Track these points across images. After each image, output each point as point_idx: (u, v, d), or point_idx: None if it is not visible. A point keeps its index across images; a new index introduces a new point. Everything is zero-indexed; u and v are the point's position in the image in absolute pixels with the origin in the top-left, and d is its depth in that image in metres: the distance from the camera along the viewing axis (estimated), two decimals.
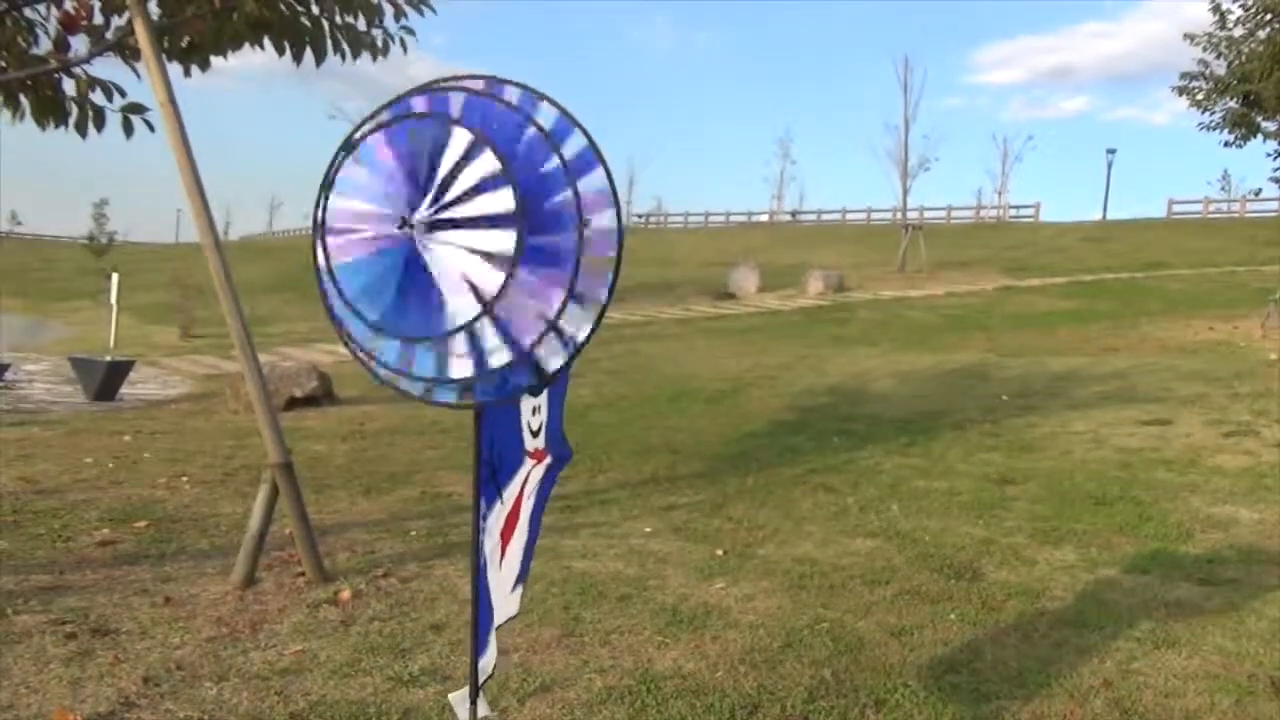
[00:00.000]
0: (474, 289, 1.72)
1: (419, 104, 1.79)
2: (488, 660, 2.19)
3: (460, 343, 1.76)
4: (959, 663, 3.32)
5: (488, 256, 1.71)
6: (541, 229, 1.73)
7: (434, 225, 1.73)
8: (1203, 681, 3.17)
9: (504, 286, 1.71)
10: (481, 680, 2.19)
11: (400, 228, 1.73)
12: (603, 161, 1.80)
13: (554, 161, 1.75)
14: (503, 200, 1.70)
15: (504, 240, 1.70)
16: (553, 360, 1.82)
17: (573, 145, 1.78)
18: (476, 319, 1.73)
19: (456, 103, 1.77)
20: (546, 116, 1.78)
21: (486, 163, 1.71)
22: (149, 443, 7.53)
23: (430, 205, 1.73)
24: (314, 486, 5.74)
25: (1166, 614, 3.78)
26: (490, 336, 1.75)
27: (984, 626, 3.67)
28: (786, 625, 3.64)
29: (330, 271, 1.83)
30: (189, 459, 6.86)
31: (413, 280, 1.75)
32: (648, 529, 5.03)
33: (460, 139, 1.72)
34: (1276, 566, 4.42)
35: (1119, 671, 3.25)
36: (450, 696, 2.25)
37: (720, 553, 4.60)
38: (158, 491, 5.77)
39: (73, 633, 3.43)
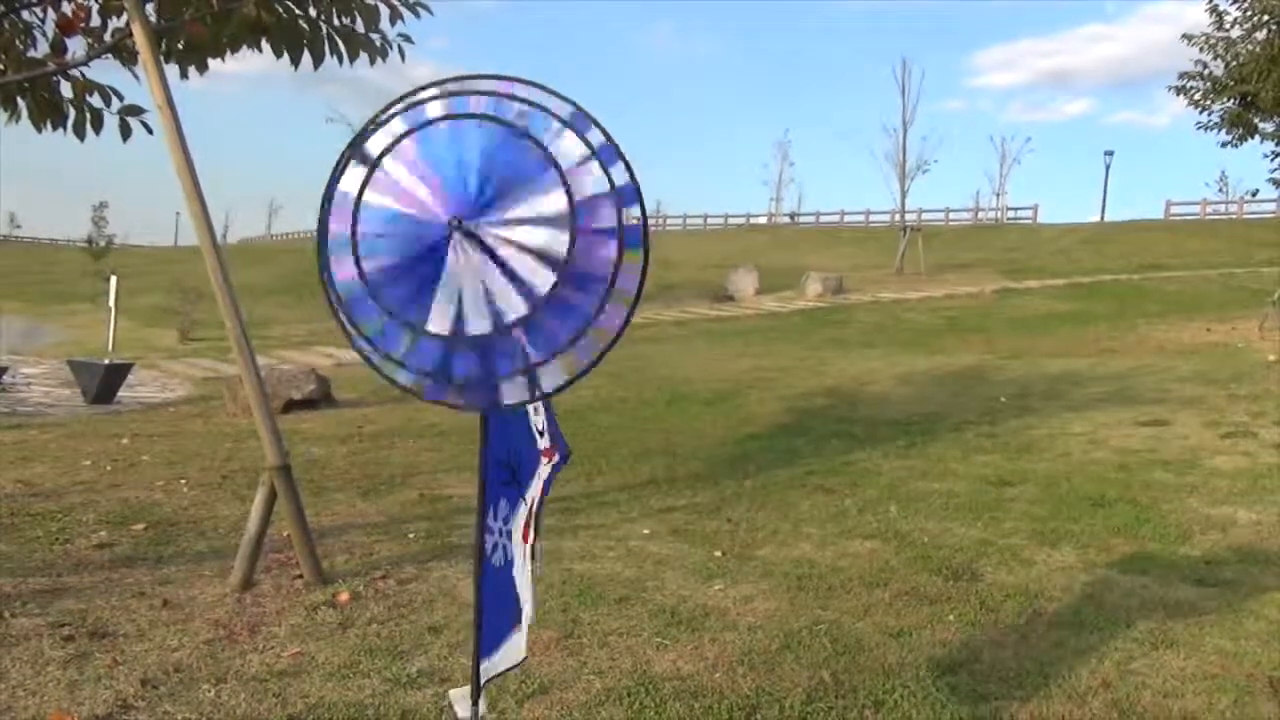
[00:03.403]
0: (524, 289, 1.72)
1: (470, 103, 1.78)
2: (495, 660, 2.20)
3: (505, 342, 1.76)
4: (957, 664, 3.32)
5: (540, 257, 1.71)
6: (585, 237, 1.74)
7: (483, 225, 1.72)
8: (1201, 682, 3.17)
9: (554, 288, 1.71)
10: (485, 679, 2.19)
11: (454, 227, 1.71)
12: (641, 201, 1.79)
13: (604, 187, 1.75)
14: (555, 202, 1.70)
15: (557, 241, 1.70)
16: (582, 363, 1.83)
17: (617, 174, 1.78)
18: (525, 319, 1.72)
19: (505, 105, 1.77)
20: (594, 139, 1.78)
21: (539, 169, 1.71)
22: (147, 445, 7.52)
23: (480, 206, 1.72)
24: (312, 489, 5.73)
25: (1165, 615, 3.78)
26: (535, 337, 1.75)
27: (982, 627, 3.67)
28: (785, 627, 3.64)
29: (363, 277, 1.80)
30: (187, 462, 6.85)
31: (458, 279, 1.74)
32: (646, 530, 5.03)
33: (515, 140, 1.72)
34: (1274, 567, 4.42)
35: (1117, 672, 3.25)
36: (451, 693, 2.26)
37: (719, 554, 4.60)
38: (156, 494, 5.77)
39: (70, 635, 3.43)
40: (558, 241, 1.71)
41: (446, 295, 1.75)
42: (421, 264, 1.75)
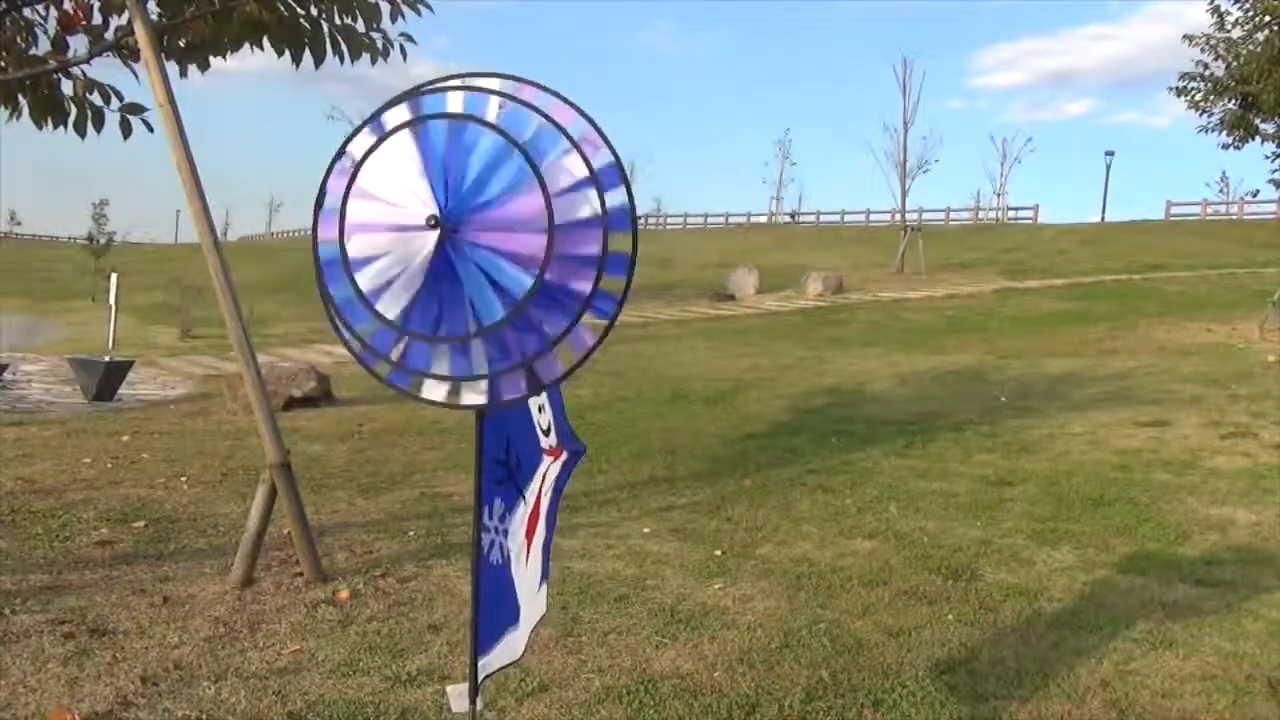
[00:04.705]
0: (501, 290, 1.72)
1: (449, 102, 1.78)
2: (490, 658, 2.21)
3: (483, 343, 1.76)
4: (956, 663, 3.32)
5: (515, 258, 1.71)
6: (564, 237, 1.74)
7: (462, 224, 1.72)
8: (1200, 682, 3.18)
9: (532, 289, 1.71)
10: (482, 677, 2.20)
11: (431, 226, 1.72)
12: (626, 183, 1.79)
13: (583, 173, 1.75)
14: (532, 203, 1.70)
15: (534, 243, 1.70)
16: (559, 365, 1.83)
17: (600, 159, 1.78)
18: (503, 320, 1.73)
19: (489, 104, 1.77)
20: (575, 127, 1.78)
21: (517, 167, 1.71)
22: (147, 443, 7.52)
23: (459, 204, 1.72)
24: (312, 487, 5.74)
25: (1164, 615, 3.78)
26: (512, 337, 1.75)
27: (982, 627, 3.67)
28: (784, 626, 3.64)
29: (349, 271, 1.81)
30: (187, 459, 6.86)
31: (437, 279, 1.74)
32: (646, 529, 5.04)
33: (491, 141, 1.72)
34: (1273, 567, 4.42)
35: (1116, 672, 3.25)
36: (449, 690, 2.26)
37: (718, 553, 4.60)
38: (156, 491, 5.77)
39: (71, 632, 3.43)
40: (536, 247, 1.71)
41: (428, 296, 1.76)
42: (403, 265, 1.76)
